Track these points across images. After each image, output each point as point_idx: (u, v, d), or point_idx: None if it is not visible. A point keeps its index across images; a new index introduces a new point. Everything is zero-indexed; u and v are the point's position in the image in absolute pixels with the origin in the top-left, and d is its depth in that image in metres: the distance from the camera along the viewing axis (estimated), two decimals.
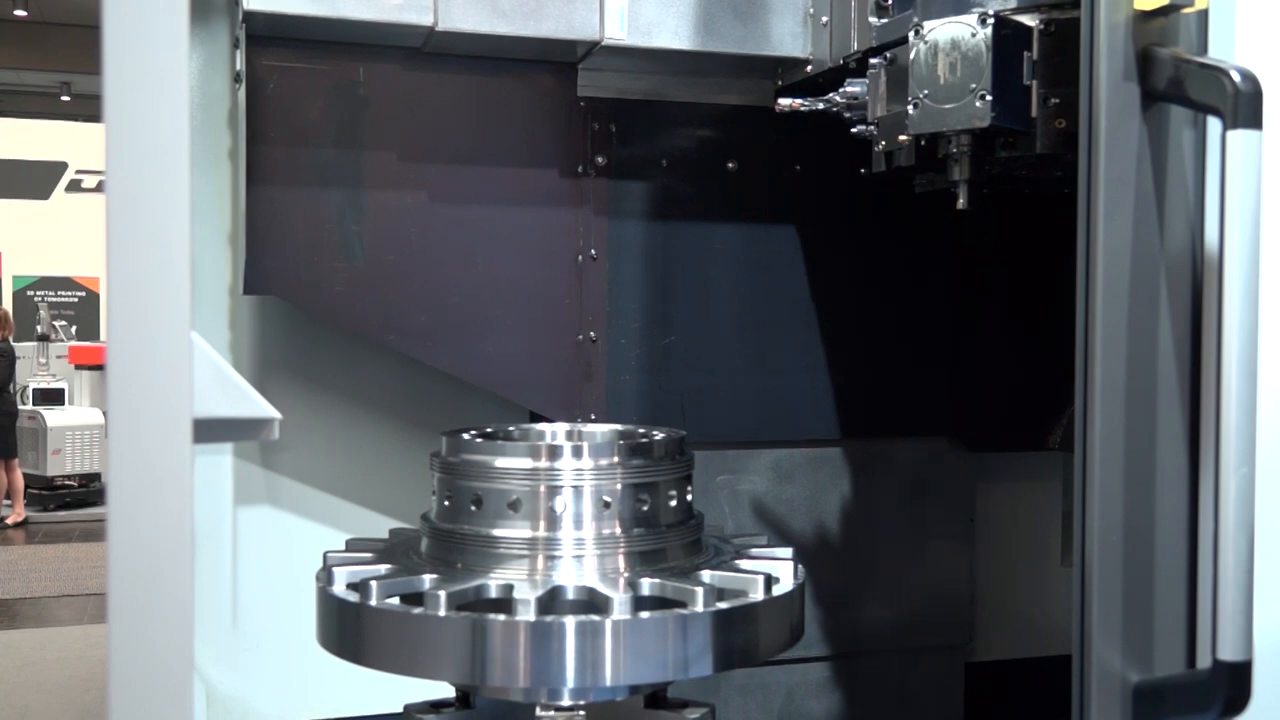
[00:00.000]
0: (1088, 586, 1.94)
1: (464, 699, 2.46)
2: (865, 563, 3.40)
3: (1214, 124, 1.93)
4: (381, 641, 2.11)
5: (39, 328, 13.26)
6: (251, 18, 2.64)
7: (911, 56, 2.44)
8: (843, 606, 3.38)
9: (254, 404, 1.24)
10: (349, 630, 2.17)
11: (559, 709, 2.19)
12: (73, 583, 8.88)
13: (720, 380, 3.22)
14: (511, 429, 2.61)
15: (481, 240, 3.04)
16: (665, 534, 2.28)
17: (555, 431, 2.65)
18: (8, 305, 15.18)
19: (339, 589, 2.20)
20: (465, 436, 2.37)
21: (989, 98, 2.26)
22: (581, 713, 2.18)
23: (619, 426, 2.66)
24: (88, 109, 18.86)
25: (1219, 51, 1.98)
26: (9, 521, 11.21)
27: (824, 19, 2.92)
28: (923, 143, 2.52)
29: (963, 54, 2.32)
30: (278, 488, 3.22)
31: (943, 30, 2.38)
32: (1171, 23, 1.98)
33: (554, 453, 2.26)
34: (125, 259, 1.06)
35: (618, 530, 2.23)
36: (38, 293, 17.13)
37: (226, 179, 3.18)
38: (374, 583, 2.12)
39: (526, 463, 2.24)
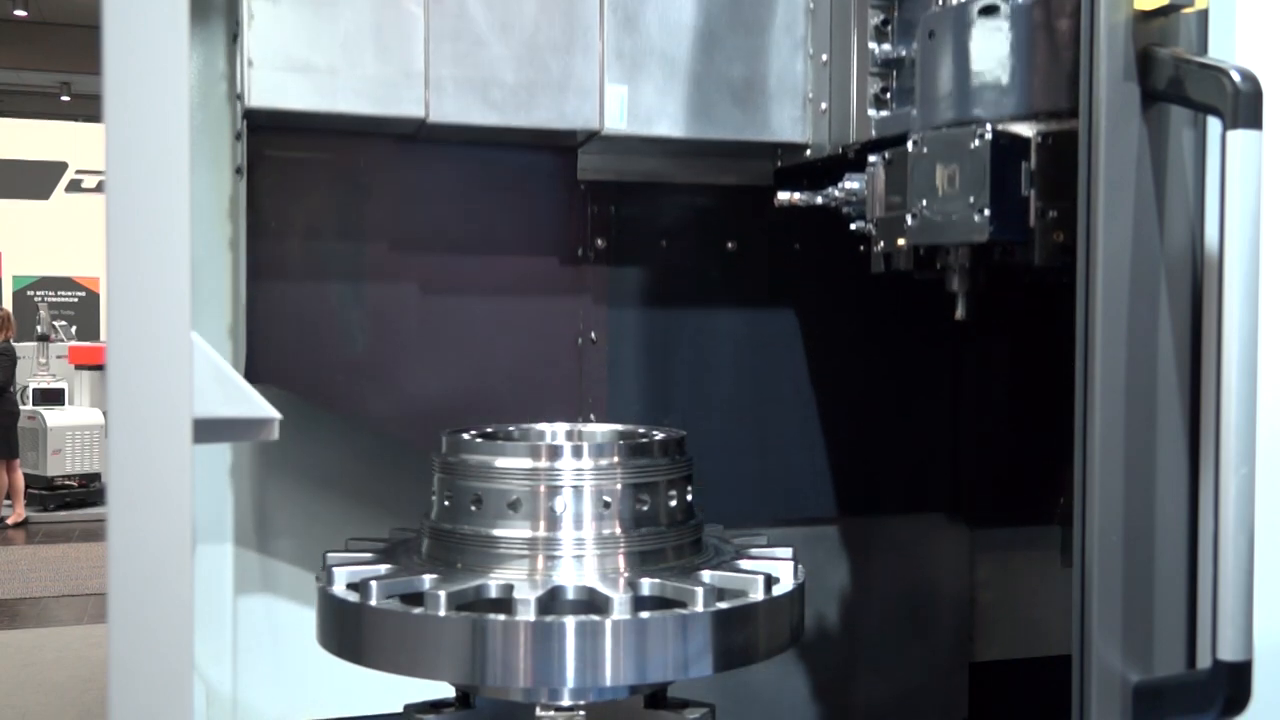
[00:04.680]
0: (1088, 586, 1.94)
1: (464, 699, 2.46)
2: (866, 641, 3.43)
3: (1214, 124, 1.93)
4: (381, 641, 2.11)
5: (39, 328, 13.26)
6: (253, 114, 2.64)
7: (910, 166, 2.43)
8: (841, 685, 3.40)
9: (254, 404, 1.24)
10: (349, 630, 2.17)
11: (559, 709, 2.19)
12: (73, 583, 8.88)
13: (720, 460, 3.19)
14: (511, 429, 2.61)
15: (481, 327, 3.05)
16: (665, 534, 2.28)
17: (555, 431, 2.66)
18: (8, 305, 15.18)
19: (339, 589, 2.20)
20: (465, 436, 2.37)
21: (988, 212, 2.24)
22: (581, 713, 2.18)
23: (619, 426, 2.66)
24: (88, 109, 18.86)
25: (1219, 51, 1.98)
26: (9, 521, 11.21)
27: (823, 105, 2.89)
28: (921, 252, 2.51)
29: (961, 167, 2.31)
30: (278, 487, 3.22)
31: (941, 141, 2.37)
32: (1171, 23, 1.98)
33: (554, 453, 2.26)
34: (125, 259, 1.06)
35: (618, 530, 2.23)
36: (38, 293, 17.14)
37: (228, 178, 3.17)
38: (374, 583, 2.12)
39: (526, 463, 2.24)
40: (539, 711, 2.20)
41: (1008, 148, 2.25)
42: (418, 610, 2.06)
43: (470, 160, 3.03)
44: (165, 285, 1.07)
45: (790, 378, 3.30)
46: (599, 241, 3.13)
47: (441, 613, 2.03)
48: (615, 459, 2.26)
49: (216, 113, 3.15)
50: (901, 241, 2.48)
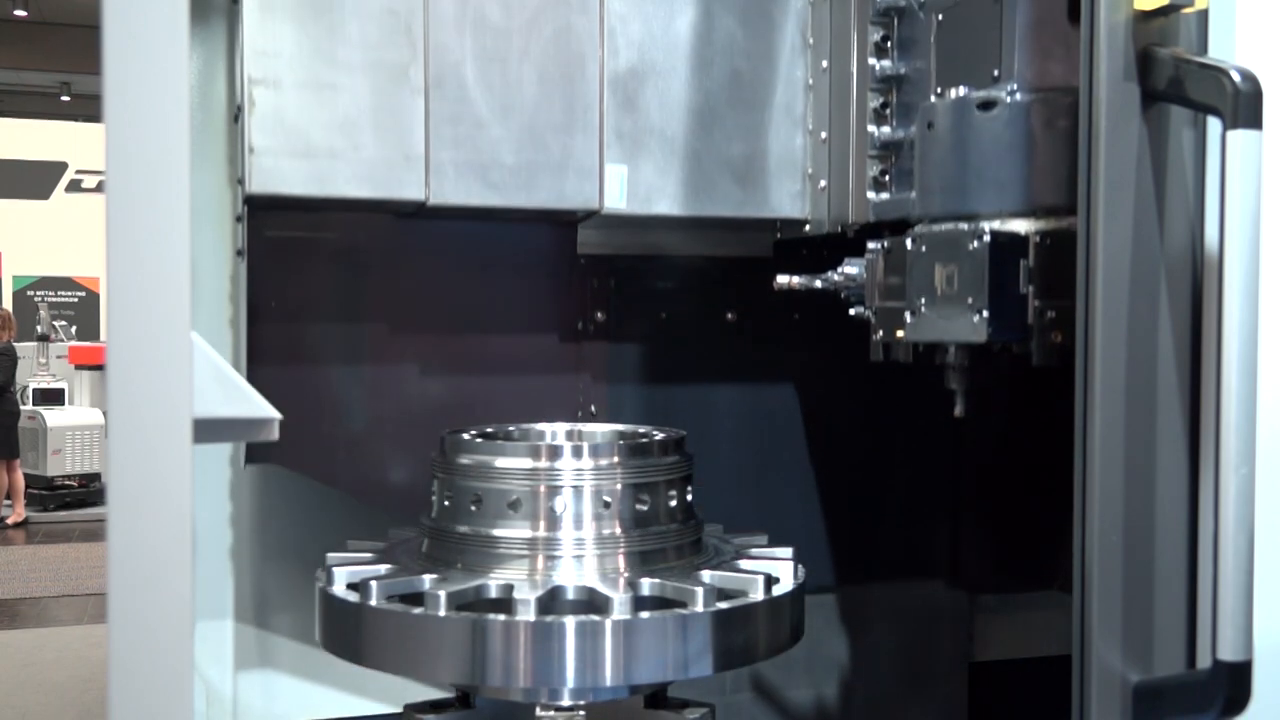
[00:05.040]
0: (1088, 586, 1.94)
1: (464, 699, 2.46)
2: (865, 705, 3.43)
3: (1214, 124, 1.92)
4: (381, 641, 2.11)
5: (39, 328, 13.26)
6: (253, 200, 2.65)
7: (908, 263, 2.42)
8: None
9: (254, 404, 1.24)
10: (349, 630, 2.17)
11: (559, 709, 2.19)
12: (73, 583, 8.88)
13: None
14: (511, 429, 2.62)
15: (481, 403, 3.07)
16: (665, 534, 2.28)
17: (555, 431, 2.66)
18: (8, 305, 15.18)
19: (339, 589, 2.20)
20: (465, 436, 2.37)
21: (986, 313, 2.24)
22: (581, 713, 2.18)
23: (619, 426, 2.66)
24: (88, 109, 18.85)
25: (1219, 51, 1.98)
26: (9, 521, 11.20)
27: (822, 183, 2.88)
28: (920, 348, 2.50)
29: (959, 267, 2.30)
30: (279, 486, 3.22)
31: (939, 240, 2.36)
32: (1171, 23, 1.97)
33: (554, 453, 2.26)
34: (125, 259, 1.05)
35: (618, 530, 2.23)
36: (38, 293, 17.13)
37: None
38: (374, 583, 2.12)
39: (526, 463, 2.24)
40: (539, 711, 2.20)
41: (1006, 246, 2.25)
42: (418, 610, 2.06)
43: (469, 235, 3.06)
44: (165, 285, 1.06)
45: (789, 446, 3.32)
46: (598, 315, 3.17)
47: (441, 613, 2.03)
48: (615, 459, 2.26)
49: (215, 121, 3.13)
50: (900, 334, 2.48)
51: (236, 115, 2.79)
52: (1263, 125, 1.81)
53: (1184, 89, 1.90)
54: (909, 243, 2.42)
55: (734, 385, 3.27)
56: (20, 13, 17.33)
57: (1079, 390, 2.00)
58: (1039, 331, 2.23)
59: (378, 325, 3.02)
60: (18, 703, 5.98)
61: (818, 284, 2.75)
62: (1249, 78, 1.82)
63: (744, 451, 3.27)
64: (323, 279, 2.99)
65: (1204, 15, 1.99)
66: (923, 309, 2.38)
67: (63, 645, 7.06)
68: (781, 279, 2.83)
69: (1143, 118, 1.96)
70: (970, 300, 2.27)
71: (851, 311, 2.67)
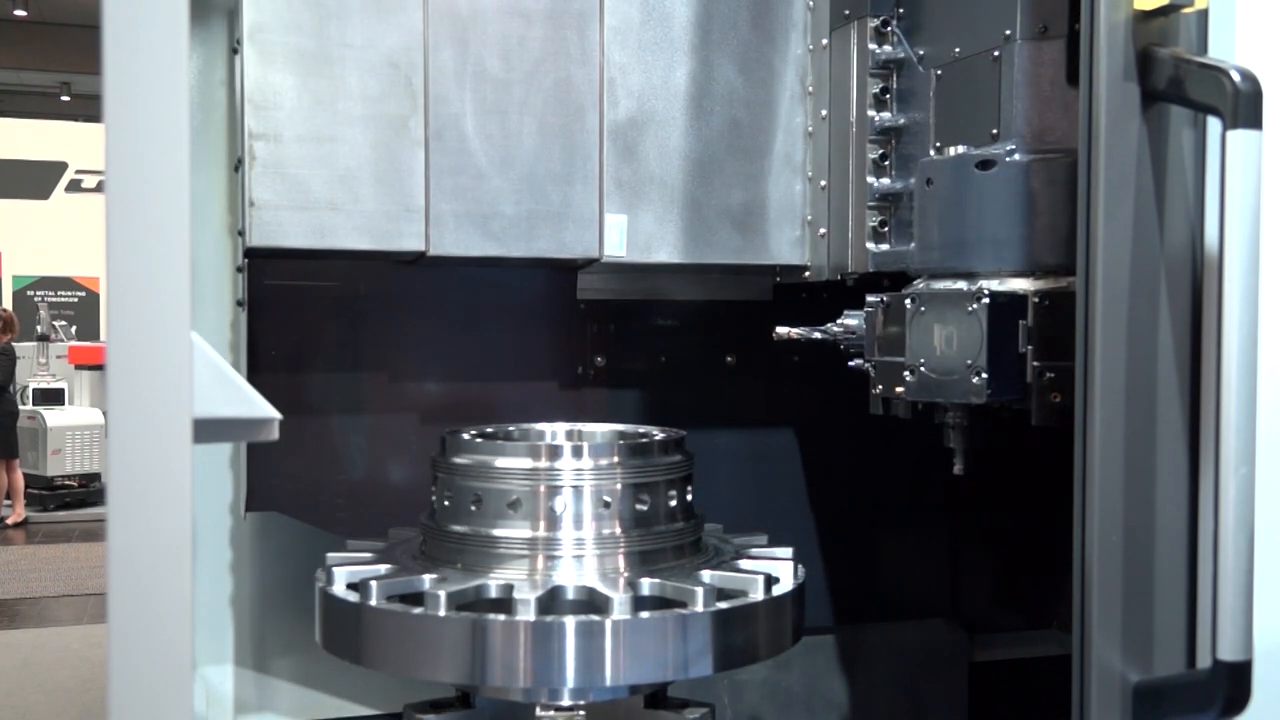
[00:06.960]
0: (1088, 586, 1.94)
1: (464, 699, 2.46)
2: None
3: (1214, 124, 1.92)
4: (381, 641, 2.12)
5: (39, 328, 13.25)
6: (253, 251, 2.66)
7: (908, 322, 2.42)
8: None
9: (254, 404, 1.24)
10: (349, 630, 2.17)
11: (559, 709, 2.19)
12: (73, 583, 8.88)
13: None
14: (511, 429, 2.62)
15: None
16: (665, 534, 2.28)
17: (555, 431, 2.66)
18: (8, 305, 15.17)
19: (339, 589, 2.20)
20: (465, 436, 2.37)
21: (985, 375, 2.25)
22: (581, 713, 2.19)
23: (619, 426, 2.67)
24: (88, 109, 18.85)
25: (1219, 51, 1.98)
26: (9, 521, 11.20)
27: (821, 230, 2.88)
28: (919, 406, 2.50)
29: (958, 329, 2.31)
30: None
31: (938, 301, 2.37)
32: (1171, 23, 1.97)
33: (554, 453, 2.27)
34: (125, 259, 1.05)
35: (618, 530, 2.23)
36: (38, 293, 17.12)
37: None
38: (374, 583, 2.13)
39: (526, 462, 2.24)
40: (539, 711, 2.20)
41: (1005, 306, 2.25)
42: (418, 610, 2.06)
43: (469, 281, 3.08)
44: (165, 285, 1.07)
45: (788, 489, 3.34)
46: (598, 359, 3.19)
47: (441, 613, 2.03)
48: (615, 459, 2.27)
49: (215, 121, 3.12)
50: (900, 390, 2.48)
51: (237, 166, 2.80)
52: (1263, 125, 1.81)
53: (1184, 89, 1.90)
54: (908, 302, 2.43)
55: (733, 429, 3.29)
56: (20, 13, 17.32)
57: (1079, 390, 2.00)
58: (1038, 392, 2.23)
59: (378, 372, 3.05)
60: (18, 703, 5.98)
61: (816, 335, 2.75)
62: (1249, 78, 1.82)
63: (742, 494, 3.28)
64: (322, 327, 3.02)
65: (1204, 15, 1.99)
66: (922, 368, 2.39)
67: (63, 645, 7.05)
68: (781, 330, 2.84)
69: (1143, 118, 1.96)
70: (969, 361, 2.28)
71: (851, 363, 2.67)
